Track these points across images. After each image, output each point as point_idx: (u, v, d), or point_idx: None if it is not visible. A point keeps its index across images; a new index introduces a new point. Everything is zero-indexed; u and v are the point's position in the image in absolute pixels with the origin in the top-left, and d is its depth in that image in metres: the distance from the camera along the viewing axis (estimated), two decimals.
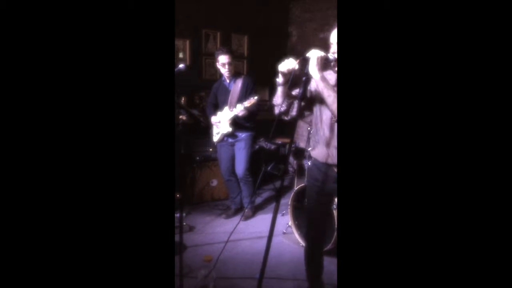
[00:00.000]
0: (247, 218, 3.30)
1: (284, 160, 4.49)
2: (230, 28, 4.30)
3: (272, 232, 1.53)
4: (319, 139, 1.78)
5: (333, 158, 1.70)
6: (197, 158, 3.66)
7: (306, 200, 2.78)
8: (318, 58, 1.50)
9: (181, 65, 2.26)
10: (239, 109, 2.90)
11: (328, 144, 1.71)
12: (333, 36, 1.60)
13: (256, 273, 1.58)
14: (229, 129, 3.05)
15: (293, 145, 4.02)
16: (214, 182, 3.76)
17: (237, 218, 3.29)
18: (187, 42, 3.97)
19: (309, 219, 1.94)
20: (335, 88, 1.54)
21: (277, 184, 4.32)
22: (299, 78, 1.56)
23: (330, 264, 2.46)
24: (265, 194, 4.06)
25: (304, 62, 1.52)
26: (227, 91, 3.10)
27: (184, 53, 3.98)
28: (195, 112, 3.24)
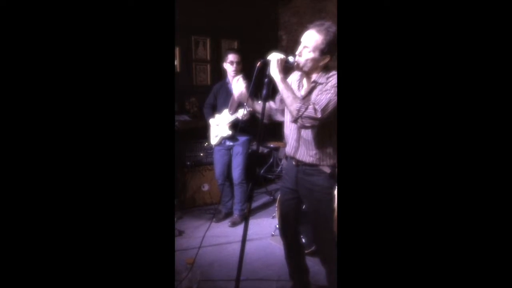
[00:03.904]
0: (234, 224, 3.23)
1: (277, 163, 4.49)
2: (220, 34, 4.34)
3: (245, 234, 1.54)
4: (287, 138, 1.86)
5: (294, 153, 1.79)
6: (188, 163, 3.68)
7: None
8: (278, 61, 1.58)
9: None
10: (242, 114, 2.83)
11: (294, 141, 1.80)
12: (304, 37, 1.64)
13: (241, 275, 1.58)
14: (228, 132, 3.04)
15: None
16: (206, 187, 3.77)
17: (227, 222, 3.29)
18: (177, 49, 4.01)
19: (280, 215, 1.99)
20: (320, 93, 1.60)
21: (270, 187, 4.32)
22: (262, 80, 1.63)
23: (315, 265, 2.46)
24: (257, 198, 4.05)
25: (264, 65, 1.59)
26: (228, 94, 3.08)
27: (175, 60, 4.02)
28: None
